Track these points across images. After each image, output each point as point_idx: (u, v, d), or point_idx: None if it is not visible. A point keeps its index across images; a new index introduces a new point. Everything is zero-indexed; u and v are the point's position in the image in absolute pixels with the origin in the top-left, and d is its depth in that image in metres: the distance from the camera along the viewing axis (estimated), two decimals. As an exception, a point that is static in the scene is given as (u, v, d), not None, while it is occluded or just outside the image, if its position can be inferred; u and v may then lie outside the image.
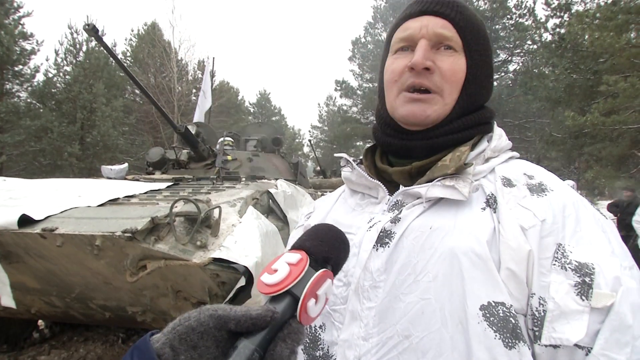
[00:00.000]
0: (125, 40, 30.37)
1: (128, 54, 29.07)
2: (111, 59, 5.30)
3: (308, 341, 0.97)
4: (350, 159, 1.10)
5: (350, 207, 1.06)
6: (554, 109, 19.85)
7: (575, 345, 0.73)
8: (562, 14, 19.54)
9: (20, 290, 3.87)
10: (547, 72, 21.04)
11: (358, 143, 40.46)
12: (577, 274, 0.76)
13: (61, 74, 23.61)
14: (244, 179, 5.19)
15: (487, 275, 0.79)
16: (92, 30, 4.35)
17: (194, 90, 26.76)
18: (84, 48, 23.94)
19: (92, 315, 4.14)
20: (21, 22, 21.58)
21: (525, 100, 23.81)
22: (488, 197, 0.89)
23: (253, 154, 6.92)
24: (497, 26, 27.40)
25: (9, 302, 3.74)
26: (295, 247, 0.69)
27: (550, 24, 20.37)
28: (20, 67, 21.55)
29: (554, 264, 0.78)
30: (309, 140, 16.10)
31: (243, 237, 3.35)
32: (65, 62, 23.82)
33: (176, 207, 3.21)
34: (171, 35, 31.47)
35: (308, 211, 1.25)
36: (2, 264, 3.53)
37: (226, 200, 3.81)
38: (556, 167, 24.59)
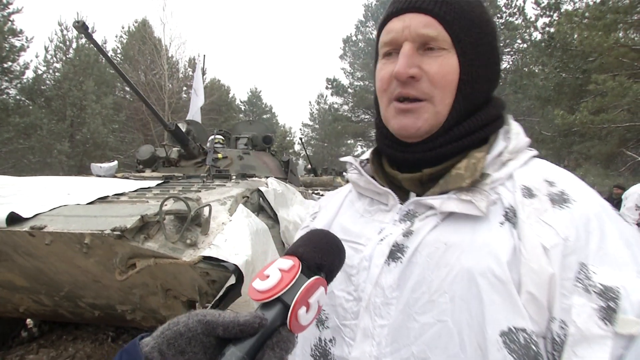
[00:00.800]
0: (116, 37, 30.26)
1: (118, 51, 28.95)
2: (101, 56, 5.27)
3: (318, 354, 0.94)
4: (357, 163, 1.05)
5: (358, 213, 1.01)
6: (543, 108, 20.01)
7: None
8: (551, 13, 19.71)
9: (8, 289, 3.85)
10: (536, 70, 21.22)
11: (349, 141, 40.58)
12: (601, 298, 0.71)
13: (51, 71, 23.49)
14: (234, 177, 5.19)
15: (507, 299, 0.75)
16: (82, 28, 4.33)
17: (184, 88, 26.69)
18: (74, 45, 23.81)
19: (81, 313, 4.12)
20: (11, 19, 21.40)
21: (515, 98, 23.95)
22: (507, 210, 0.83)
23: (244, 152, 6.92)
24: (487, 25, 27.50)
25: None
26: (289, 252, 0.68)
27: (539, 23, 20.57)
28: (10, 63, 21.39)
29: (576, 285, 0.73)
30: (300, 139, 16.10)
31: (233, 236, 3.34)
32: (55, 59, 23.70)
33: (166, 205, 3.20)
34: (162, 32, 31.34)
35: (313, 210, 1.19)
36: (-10, 263, 3.51)
37: (216, 198, 3.80)
38: (546, 165, 24.73)
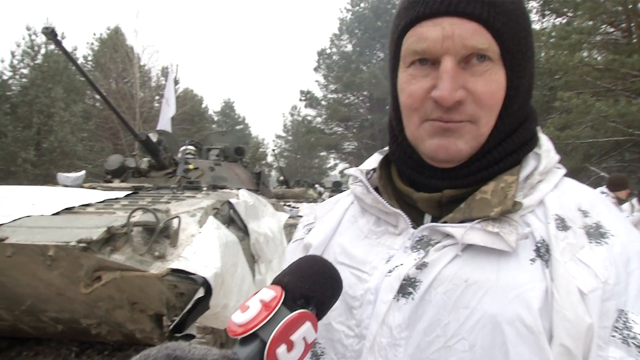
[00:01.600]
0: (87, 44, 29.77)
1: (89, 58, 28.49)
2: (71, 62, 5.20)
3: None
4: (364, 177, 0.90)
5: (362, 232, 0.88)
6: (512, 123, 20.50)
7: None
8: (520, 32, 20.28)
9: (-35, 303, 3.72)
10: (505, 87, 21.76)
11: (322, 153, 40.66)
12: None
13: (17, 77, 22.96)
14: (205, 189, 5.15)
15: (537, 353, 0.66)
16: (50, 34, 4.27)
17: (156, 97, 26.40)
18: (43, 50, 23.34)
19: (43, 328, 4.01)
20: (-24, 23, 20.91)
21: (485, 114, 24.48)
22: (538, 245, 0.72)
23: (215, 163, 6.87)
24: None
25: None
26: (274, 281, 0.62)
27: (509, 41, 21.10)
28: (-27, 68, 20.86)
29: (614, 336, 0.65)
30: (273, 150, 16.16)
31: (202, 248, 3.31)
32: (22, 64, 23.16)
33: (134, 216, 3.16)
34: (134, 40, 31.04)
35: (307, 221, 1.03)
36: (-53, 275, 3.39)
37: (186, 210, 3.77)
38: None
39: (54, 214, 3.54)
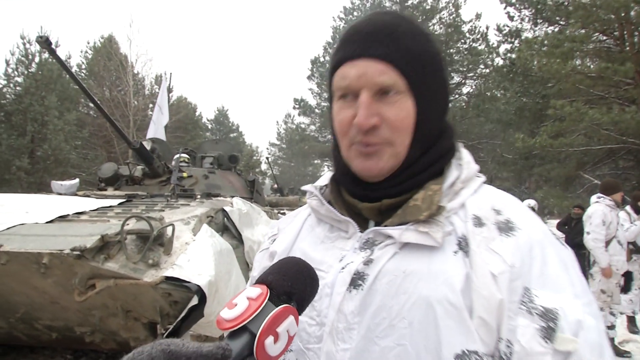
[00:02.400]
0: (81, 52, 29.79)
1: (83, 66, 28.49)
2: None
3: None
4: (317, 192, 1.07)
5: (318, 239, 1.04)
6: (505, 131, 20.59)
7: None
8: (512, 40, 20.44)
9: (-41, 311, 3.70)
10: (498, 95, 21.90)
11: (316, 161, 40.70)
12: (543, 319, 0.78)
13: (11, 85, 22.88)
14: (199, 197, 5.16)
15: (460, 325, 0.80)
16: (44, 43, 4.28)
17: (150, 105, 26.34)
18: (37, 59, 23.29)
19: (37, 336, 4.00)
20: (-30, 31, 20.85)
21: (478, 122, 24.60)
22: (460, 240, 0.88)
23: (209, 171, 6.87)
24: (451, 50, 28.29)
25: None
26: (258, 281, 0.67)
27: (502, 49, 21.28)
28: (-32, 76, 20.77)
29: (521, 308, 0.80)
30: (267, 158, 16.16)
31: (196, 256, 3.32)
32: (16, 72, 23.10)
33: (128, 224, 3.16)
34: (128, 48, 31.03)
35: (271, 232, 1.21)
36: (-60, 283, 3.38)
37: (180, 217, 3.78)
38: (508, 187, 25.34)
39: (48, 222, 3.54)
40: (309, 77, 37.69)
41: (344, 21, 36.48)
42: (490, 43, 25.44)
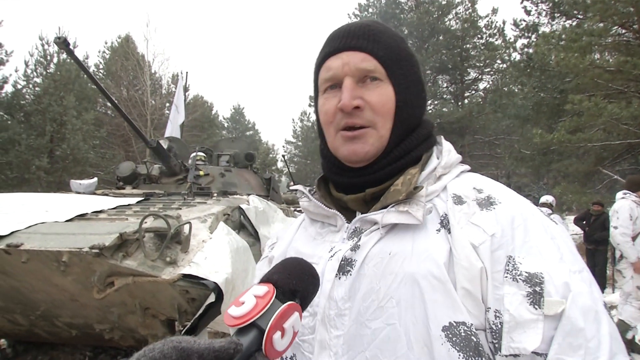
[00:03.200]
0: (99, 52, 30.11)
1: (101, 66, 28.76)
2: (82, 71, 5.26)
3: None
4: (306, 190, 1.12)
5: (311, 236, 1.08)
6: (522, 127, 20.34)
7: (534, 352, 0.76)
8: (529, 35, 20.16)
9: (-18, 308, 3.77)
10: (516, 90, 21.59)
11: (332, 158, 40.58)
12: (528, 285, 0.78)
13: (31, 86, 23.15)
14: (215, 195, 5.18)
15: (446, 297, 0.82)
16: (63, 44, 4.32)
17: (167, 104, 26.53)
18: (55, 60, 23.54)
19: (57, 333, 4.05)
20: (-10, 33, 21.18)
21: (495, 117, 24.31)
22: (442, 218, 0.91)
23: (225, 169, 6.90)
24: (467, 45, 28.02)
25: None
26: (264, 280, 0.70)
27: (518, 44, 20.96)
28: (-12, 78, 21.06)
29: (506, 277, 0.80)
30: (283, 156, 16.17)
31: (213, 253, 3.34)
32: (35, 73, 23.37)
33: (146, 222, 3.19)
34: (145, 48, 31.23)
35: (271, 242, 1.26)
36: (-36, 281, 3.44)
37: (197, 215, 3.80)
38: (526, 183, 25.10)
39: (67, 221, 3.58)
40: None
41: (358, 18, 36.33)
42: (507, 38, 25.03)
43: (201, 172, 6.31)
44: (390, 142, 0.99)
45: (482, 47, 27.43)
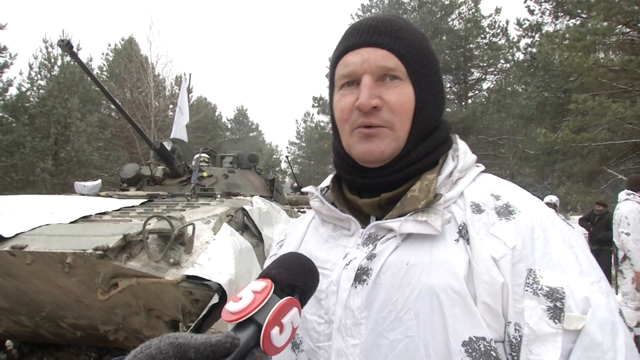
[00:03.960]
0: (102, 54, 30.17)
1: (104, 68, 28.85)
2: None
3: None
4: (318, 193, 1.08)
5: (322, 239, 1.05)
6: (526, 126, 20.29)
7: None
8: (533, 34, 20.12)
9: (-13, 310, 3.79)
10: (519, 90, 21.57)
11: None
12: (549, 299, 0.78)
13: (35, 88, 23.23)
14: (219, 196, 5.19)
15: (466, 312, 0.80)
16: (66, 46, 4.35)
17: (171, 106, 26.62)
18: (59, 62, 23.61)
19: (62, 334, 4.07)
20: (-6, 36, 21.25)
21: (499, 117, 24.26)
22: (460, 227, 0.88)
23: (229, 170, 6.91)
24: (471, 45, 27.99)
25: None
26: (262, 275, 0.69)
27: (522, 44, 20.95)
28: (-7, 80, 21.15)
29: (526, 290, 0.79)
30: (287, 157, 16.18)
31: (217, 254, 3.34)
32: (39, 76, 23.43)
33: (149, 224, 3.20)
34: (148, 50, 31.28)
35: (279, 239, 1.23)
36: (-31, 283, 3.46)
37: (200, 217, 3.81)
38: (530, 182, 25.05)
39: (71, 222, 3.59)
40: (327, 75, 37.63)
41: (361, 18, 36.35)
42: (511, 37, 25.05)
43: (205, 174, 6.32)
44: (407, 143, 0.96)
45: (486, 47, 27.40)
